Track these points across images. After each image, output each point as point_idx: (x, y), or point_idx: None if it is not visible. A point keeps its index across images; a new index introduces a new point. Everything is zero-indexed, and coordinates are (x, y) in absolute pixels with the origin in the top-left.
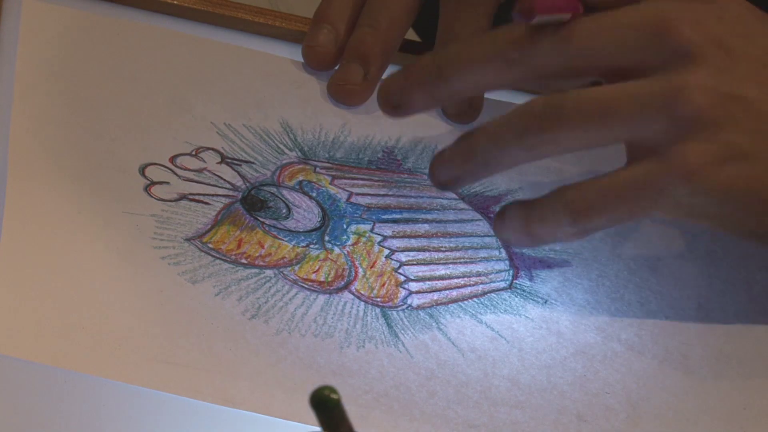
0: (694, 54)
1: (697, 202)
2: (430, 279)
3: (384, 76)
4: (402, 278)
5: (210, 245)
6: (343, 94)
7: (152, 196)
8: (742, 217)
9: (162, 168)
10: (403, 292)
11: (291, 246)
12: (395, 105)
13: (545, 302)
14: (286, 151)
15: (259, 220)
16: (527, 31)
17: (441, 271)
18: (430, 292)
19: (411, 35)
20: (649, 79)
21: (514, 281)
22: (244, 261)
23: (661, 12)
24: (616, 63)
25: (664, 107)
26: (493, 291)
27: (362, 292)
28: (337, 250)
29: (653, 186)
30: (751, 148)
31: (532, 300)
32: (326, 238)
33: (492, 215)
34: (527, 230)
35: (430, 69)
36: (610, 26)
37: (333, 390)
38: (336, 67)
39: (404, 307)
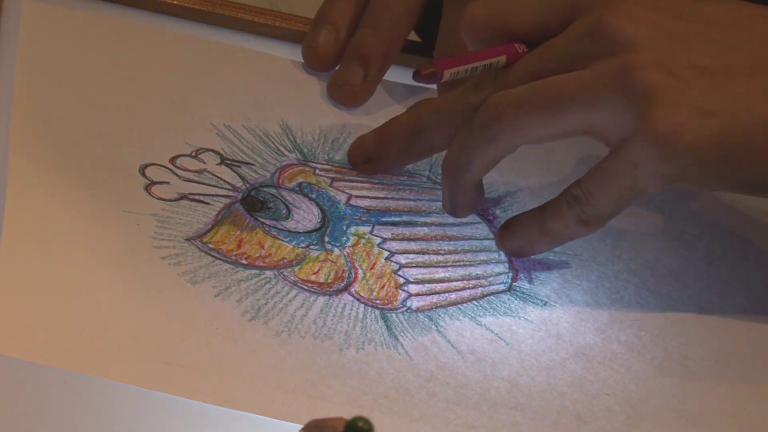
0: (632, 40)
1: (675, 168)
2: (429, 281)
3: (386, 77)
4: (402, 280)
5: (210, 245)
6: (342, 95)
7: (152, 196)
8: (727, 171)
9: (162, 168)
10: (402, 295)
11: (291, 246)
12: (366, 160)
13: (545, 304)
14: (286, 152)
15: (259, 220)
16: (486, 79)
17: (440, 273)
18: (429, 294)
19: (411, 35)
20: (595, 66)
21: (514, 283)
22: (244, 261)
23: (594, 17)
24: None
25: (616, 86)
26: (492, 294)
27: (362, 294)
28: (336, 251)
29: (629, 164)
30: (711, 105)
31: (532, 302)
32: (326, 239)
33: (491, 217)
34: (544, 229)
35: (405, 126)
36: (548, 47)
37: (366, 421)
38: (336, 68)
39: (404, 309)
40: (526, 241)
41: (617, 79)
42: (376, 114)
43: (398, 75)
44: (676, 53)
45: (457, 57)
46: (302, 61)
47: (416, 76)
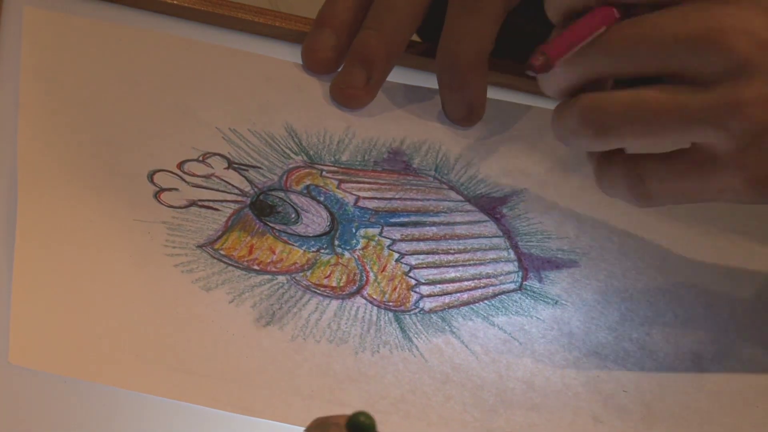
0: (746, 64)
1: (754, 201)
2: (440, 282)
3: (390, 78)
4: (413, 282)
5: (222, 252)
6: (345, 98)
7: (162, 203)
8: None
9: (170, 174)
10: (414, 296)
11: (302, 251)
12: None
13: (555, 303)
14: (292, 155)
15: (269, 225)
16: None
17: (451, 273)
18: (441, 295)
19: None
20: (701, 92)
21: (524, 282)
22: (256, 267)
23: (708, 21)
24: (664, 69)
25: (721, 123)
26: (503, 292)
27: (374, 297)
28: (347, 254)
29: (711, 182)
30: None
31: (543, 301)
32: (336, 242)
33: (499, 216)
34: (596, 164)
35: None
36: (652, 34)
37: (368, 416)
38: (338, 70)
39: (416, 310)
40: (570, 138)
41: (725, 115)
42: (379, 116)
43: (402, 76)
44: None
45: (560, 38)
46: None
47: (530, 69)
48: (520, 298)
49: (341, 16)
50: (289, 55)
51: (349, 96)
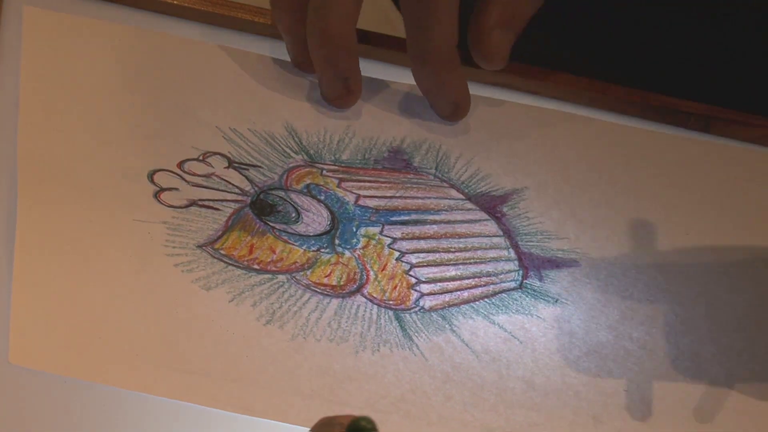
0: None
1: None
2: (441, 280)
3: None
4: (413, 280)
5: (222, 251)
6: (338, 107)
7: (162, 203)
8: None
9: (170, 174)
10: (415, 294)
11: (302, 250)
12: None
13: (556, 302)
14: (292, 154)
15: (269, 224)
16: None
17: (452, 272)
18: (441, 293)
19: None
20: None
21: (524, 281)
22: (256, 267)
23: None
24: None
25: None
26: (503, 291)
27: (374, 296)
28: (347, 253)
29: None
30: None
31: (543, 300)
32: (336, 241)
33: (499, 215)
34: None
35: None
36: None
37: (369, 421)
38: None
39: (417, 309)
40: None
41: None
42: (379, 115)
43: (402, 76)
44: None
45: None
46: None
47: None
48: (520, 297)
49: (290, 19)
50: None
51: (341, 104)
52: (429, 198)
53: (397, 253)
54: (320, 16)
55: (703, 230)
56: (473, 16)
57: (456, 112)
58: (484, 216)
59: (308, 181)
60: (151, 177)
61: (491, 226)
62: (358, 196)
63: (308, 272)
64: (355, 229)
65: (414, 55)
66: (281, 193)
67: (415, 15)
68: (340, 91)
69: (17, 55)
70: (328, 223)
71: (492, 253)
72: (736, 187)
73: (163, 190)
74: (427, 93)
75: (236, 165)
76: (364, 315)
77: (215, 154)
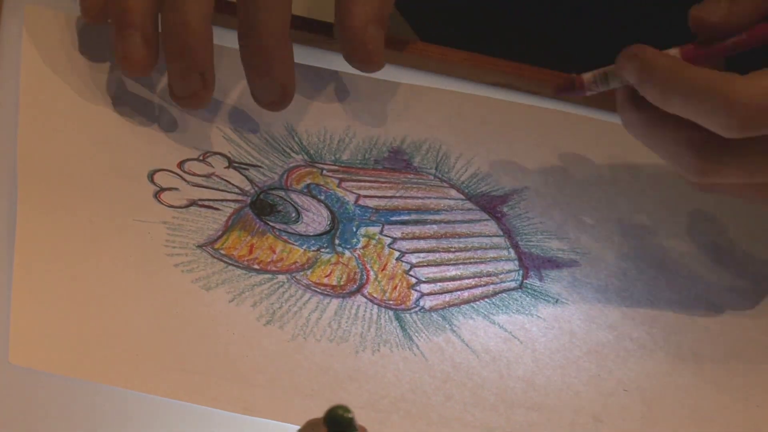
0: None
1: None
2: (441, 280)
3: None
4: (413, 280)
5: (222, 251)
6: (192, 104)
7: (162, 203)
8: None
9: (170, 174)
10: (415, 294)
11: (302, 250)
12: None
13: (556, 302)
14: (293, 154)
15: (269, 224)
16: None
17: (452, 271)
18: (441, 293)
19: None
20: None
21: (525, 281)
22: (256, 267)
23: None
24: None
25: None
26: (503, 291)
27: (375, 296)
28: (347, 253)
29: None
30: None
31: (543, 299)
32: (336, 241)
33: (499, 215)
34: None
35: None
36: None
37: (347, 409)
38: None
39: (417, 309)
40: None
41: None
42: (380, 115)
43: (402, 75)
44: None
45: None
46: (302, 63)
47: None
48: (520, 297)
49: (140, 14)
50: None
51: (195, 102)
52: (429, 198)
53: (397, 253)
54: (177, 9)
55: (703, 230)
56: (337, 20)
57: (282, 100)
58: (484, 216)
59: (308, 181)
60: (151, 177)
61: (491, 226)
62: (358, 196)
63: (308, 272)
64: (355, 229)
65: (243, 29)
66: (281, 193)
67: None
68: (196, 86)
69: (17, 55)
70: (328, 222)
71: (492, 253)
72: None
73: (163, 190)
74: (254, 75)
75: (236, 165)
76: (364, 315)
77: (215, 153)
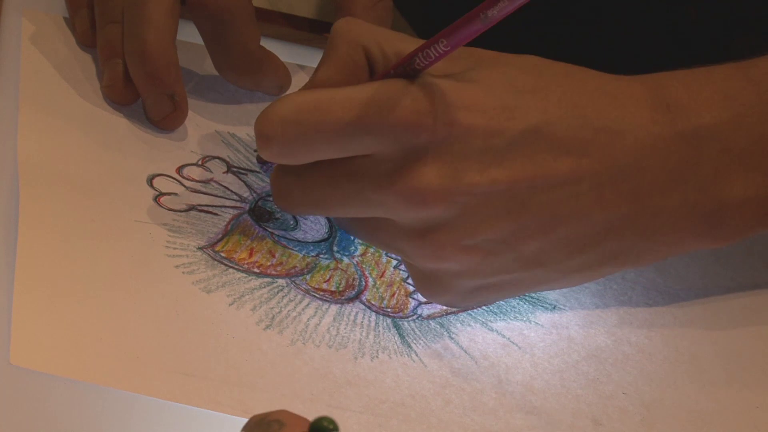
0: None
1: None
2: None
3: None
4: (411, 288)
5: (222, 254)
6: (168, 126)
7: (162, 206)
8: None
9: (169, 179)
10: (413, 302)
11: (301, 255)
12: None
13: (554, 308)
14: None
15: (267, 230)
16: None
17: None
18: None
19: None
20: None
21: None
22: (256, 270)
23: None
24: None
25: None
26: None
27: (373, 302)
28: (346, 260)
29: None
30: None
31: (541, 306)
32: (335, 248)
33: None
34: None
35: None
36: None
37: (331, 421)
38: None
39: (415, 317)
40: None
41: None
42: None
43: None
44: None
45: None
46: (303, 64)
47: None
48: (518, 304)
49: (117, 44)
50: (288, 55)
51: (169, 123)
52: None
53: (395, 261)
54: (136, 36)
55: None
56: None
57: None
58: None
59: None
60: (150, 181)
61: None
62: None
63: (308, 277)
64: (352, 237)
65: (221, 68)
66: None
67: (209, 29)
68: (168, 108)
69: (17, 56)
70: (326, 230)
71: None
72: None
73: (162, 194)
74: (144, 93)
75: (235, 170)
76: (362, 322)
77: (214, 158)
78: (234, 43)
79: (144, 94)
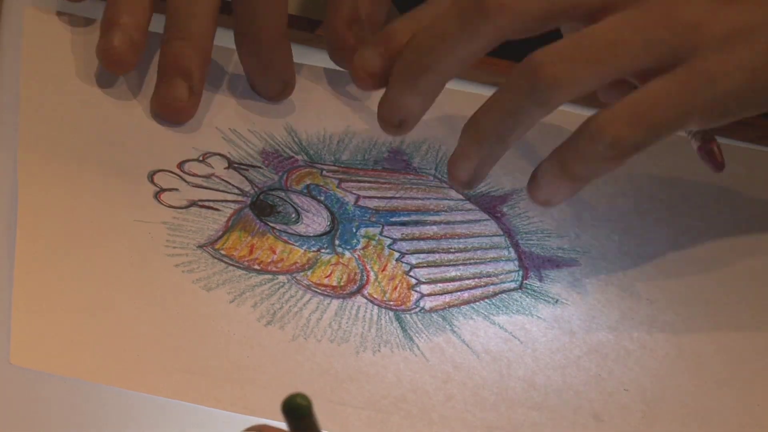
0: None
1: (729, 98)
2: (441, 281)
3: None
4: (413, 281)
5: (222, 252)
6: (173, 113)
7: (162, 204)
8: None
9: (170, 174)
10: (415, 295)
11: (302, 251)
12: (398, 124)
13: (556, 302)
14: (292, 154)
15: (269, 225)
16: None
17: (452, 272)
18: (441, 294)
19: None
20: (630, 11)
21: (524, 281)
22: (257, 267)
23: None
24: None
25: (662, 25)
26: (503, 291)
27: (375, 296)
28: (347, 254)
29: (683, 93)
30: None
31: (543, 300)
32: (336, 242)
33: (499, 215)
34: (567, 172)
35: (415, 66)
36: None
37: (304, 397)
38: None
39: (417, 310)
40: (554, 190)
41: (663, 18)
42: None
43: None
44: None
45: None
46: (302, 63)
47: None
48: (520, 297)
49: (129, 17)
50: None
51: (175, 109)
52: (429, 199)
53: (397, 254)
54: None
55: (702, 230)
56: (325, 19)
57: (285, 90)
58: (484, 216)
59: (308, 182)
60: (151, 178)
61: (491, 226)
62: (358, 197)
63: (309, 273)
64: (355, 230)
65: (240, 29)
66: (281, 194)
67: None
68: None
69: (17, 54)
70: (328, 223)
71: (492, 253)
72: (736, 186)
73: (163, 190)
74: (255, 72)
75: (236, 165)
76: (364, 316)
77: (215, 154)
78: (261, 16)
79: (162, 76)
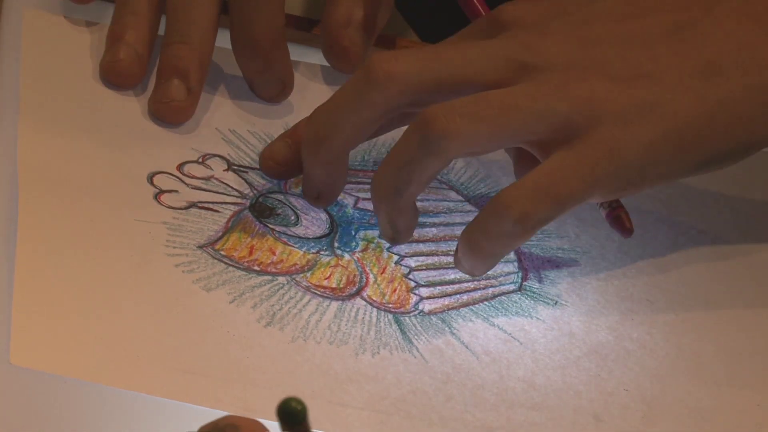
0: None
1: (627, 170)
2: (440, 284)
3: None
4: (412, 284)
5: (222, 252)
6: (169, 112)
7: (162, 204)
8: (680, 158)
9: (170, 176)
10: (414, 298)
11: (302, 252)
12: (317, 196)
13: (555, 303)
14: None
15: (268, 227)
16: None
17: (451, 275)
18: (440, 297)
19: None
20: (531, 81)
21: (524, 283)
22: (256, 268)
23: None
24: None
25: (560, 96)
26: (503, 293)
27: (374, 299)
28: (347, 256)
29: (583, 166)
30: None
31: (543, 301)
32: (336, 244)
33: None
34: (478, 251)
35: (313, 137)
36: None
37: (299, 401)
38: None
39: (416, 312)
40: (471, 265)
41: (559, 90)
42: None
43: None
44: (606, 60)
45: None
46: (300, 62)
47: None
48: (519, 299)
49: (134, 31)
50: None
51: (173, 109)
52: (428, 200)
53: (396, 257)
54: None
55: (703, 230)
56: (321, 20)
57: (283, 91)
58: None
59: None
60: (150, 179)
61: None
62: (357, 199)
63: (308, 274)
64: (354, 232)
65: (237, 29)
66: (280, 197)
67: None
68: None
69: (17, 55)
70: (327, 226)
71: None
72: (736, 186)
73: (162, 192)
74: (253, 74)
75: (235, 167)
76: (363, 318)
77: (214, 156)
78: (257, 19)
79: (160, 77)
